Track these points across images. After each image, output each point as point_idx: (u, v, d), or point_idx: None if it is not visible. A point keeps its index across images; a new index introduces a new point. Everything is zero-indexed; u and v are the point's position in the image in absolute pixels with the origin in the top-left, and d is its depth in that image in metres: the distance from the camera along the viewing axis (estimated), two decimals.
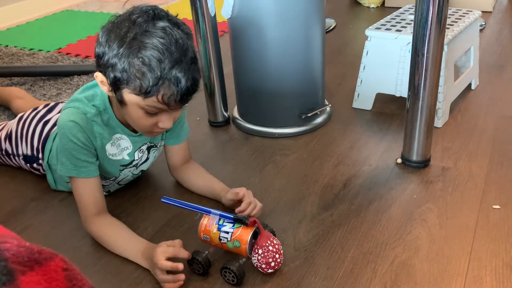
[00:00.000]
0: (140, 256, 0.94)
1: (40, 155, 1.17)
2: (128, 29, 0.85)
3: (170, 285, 0.88)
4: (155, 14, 0.87)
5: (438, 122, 1.35)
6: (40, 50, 2.26)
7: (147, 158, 1.13)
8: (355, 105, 1.52)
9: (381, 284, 0.87)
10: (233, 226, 0.90)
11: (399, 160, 1.23)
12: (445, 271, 0.89)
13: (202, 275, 0.91)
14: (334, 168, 1.23)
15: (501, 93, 1.55)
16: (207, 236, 0.92)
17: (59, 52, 2.22)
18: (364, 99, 1.50)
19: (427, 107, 1.12)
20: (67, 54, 2.20)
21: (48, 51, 2.24)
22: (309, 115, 1.39)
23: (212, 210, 0.93)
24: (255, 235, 0.90)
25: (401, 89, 1.42)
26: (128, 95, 0.89)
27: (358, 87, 1.50)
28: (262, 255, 0.88)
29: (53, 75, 1.92)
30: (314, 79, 1.39)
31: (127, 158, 1.07)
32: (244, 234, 0.88)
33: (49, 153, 1.14)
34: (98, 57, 0.90)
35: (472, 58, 1.54)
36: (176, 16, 0.91)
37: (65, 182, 1.14)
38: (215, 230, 0.91)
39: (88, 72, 1.93)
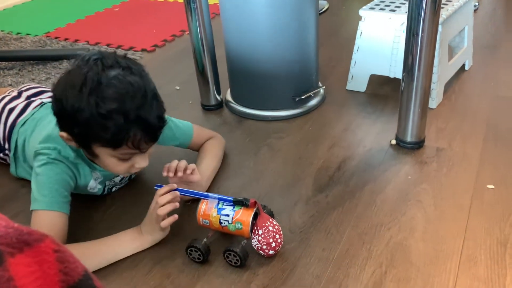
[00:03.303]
0: (137, 235, 0.93)
1: (7, 145, 1.15)
2: (81, 85, 0.82)
3: (166, 222, 0.89)
4: (104, 64, 0.84)
5: (432, 103, 1.35)
6: (28, 34, 2.22)
7: (129, 178, 1.12)
8: (349, 87, 1.51)
9: (377, 265, 0.87)
10: (233, 208, 0.90)
11: (394, 141, 1.22)
12: (440, 250, 0.89)
13: (202, 262, 0.91)
14: (328, 150, 1.22)
15: (495, 73, 1.55)
16: (207, 221, 0.92)
17: (47, 36, 2.18)
18: (358, 81, 1.49)
19: (422, 88, 1.11)
20: (56, 38, 2.16)
21: (36, 35, 2.20)
22: (303, 97, 1.37)
23: (210, 194, 0.92)
24: (255, 217, 0.89)
25: (395, 70, 1.41)
26: (98, 149, 0.88)
27: (352, 69, 1.48)
28: (263, 236, 0.87)
29: (42, 59, 1.88)
30: (307, 61, 1.38)
31: (99, 186, 1.06)
32: (246, 216, 0.88)
33: (15, 146, 1.11)
34: (58, 116, 0.89)
35: (466, 39, 1.53)
36: (125, 56, 0.90)
37: (28, 168, 1.10)
38: (215, 214, 0.90)
39: (78, 55, 1.89)
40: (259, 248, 0.88)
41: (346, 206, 1.02)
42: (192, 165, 0.99)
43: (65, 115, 0.86)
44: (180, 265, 0.91)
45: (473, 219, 0.96)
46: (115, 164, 0.91)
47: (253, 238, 0.88)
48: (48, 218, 0.90)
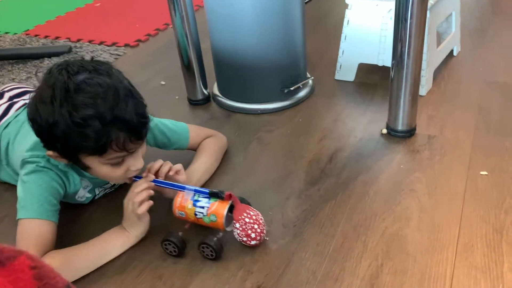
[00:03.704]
0: (121, 232, 0.91)
1: None
2: (51, 98, 0.80)
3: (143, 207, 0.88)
4: (69, 71, 0.81)
5: (422, 90, 1.33)
6: (6, 33, 2.16)
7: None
8: (338, 76, 1.49)
9: (373, 257, 0.86)
10: (208, 200, 0.88)
11: (384, 131, 1.20)
12: (436, 240, 0.88)
13: (177, 256, 0.89)
14: (319, 142, 1.20)
15: (483, 58, 1.54)
16: (182, 212, 0.90)
17: (27, 34, 2.12)
18: (346, 70, 1.47)
19: (412, 75, 1.10)
20: (36, 36, 2.10)
21: (15, 34, 2.14)
22: (291, 88, 1.35)
23: (187, 186, 0.91)
24: (231, 209, 0.88)
25: (384, 58, 1.39)
26: (87, 159, 0.85)
27: (340, 58, 1.46)
28: (241, 229, 0.87)
29: (22, 58, 1.83)
30: (295, 52, 1.35)
31: (88, 195, 1.03)
32: (220, 208, 0.87)
33: None
34: (40, 136, 0.86)
35: (453, 24, 1.51)
36: (92, 59, 0.87)
37: (11, 172, 1.07)
38: (190, 206, 0.89)
39: (59, 54, 1.84)
40: (240, 240, 0.88)
41: (339, 199, 1.01)
42: (177, 166, 0.95)
43: (43, 133, 0.84)
44: (171, 265, 0.89)
45: (468, 206, 0.95)
46: (110, 172, 0.88)
47: (234, 232, 0.88)
48: (36, 227, 0.86)
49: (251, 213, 0.88)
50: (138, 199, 0.88)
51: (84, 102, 0.79)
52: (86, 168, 0.88)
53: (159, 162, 0.94)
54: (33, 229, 0.86)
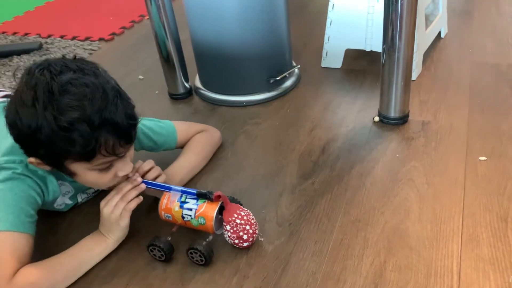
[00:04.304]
0: (99, 237, 0.85)
1: None
2: (33, 101, 0.72)
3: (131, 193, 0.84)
4: (52, 72, 0.74)
5: (413, 75, 1.29)
6: None
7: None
8: (324, 64, 1.43)
9: (375, 254, 0.81)
10: (196, 202, 0.83)
11: (377, 118, 1.16)
12: (440, 232, 0.84)
13: (165, 261, 0.84)
14: (310, 133, 1.15)
15: (471, 39, 1.50)
16: (169, 215, 0.85)
17: None
18: (333, 57, 1.41)
19: (404, 59, 1.05)
20: (3, 32, 1.99)
21: None
22: (278, 78, 1.29)
23: (173, 187, 0.85)
24: (221, 210, 0.83)
25: (372, 43, 1.34)
26: (72, 165, 0.78)
27: (326, 45, 1.41)
28: (232, 231, 0.82)
29: None
30: (280, 40, 1.29)
31: (69, 202, 0.96)
32: (209, 210, 0.81)
33: None
34: (18, 142, 0.78)
35: (440, 5, 1.47)
36: (75, 57, 0.80)
37: None
38: (177, 208, 0.83)
39: (29, 51, 1.75)
40: (232, 243, 0.83)
41: (335, 192, 0.96)
42: (159, 179, 0.89)
43: (24, 138, 0.76)
44: (161, 273, 0.83)
45: (470, 194, 0.91)
46: (98, 178, 0.81)
47: (224, 234, 0.83)
48: (10, 240, 0.78)
49: (242, 214, 0.82)
50: (130, 207, 0.83)
51: (70, 105, 0.72)
52: (72, 174, 0.81)
53: (149, 163, 0.88)
54: (8, 242, 0.78)
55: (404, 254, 0.80)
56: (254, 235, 0.83)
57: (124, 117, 0.76)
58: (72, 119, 0.72)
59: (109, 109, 0.74)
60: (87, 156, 0.75)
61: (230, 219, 0.81)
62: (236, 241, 0.83)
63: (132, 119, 0.79)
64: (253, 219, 0.84)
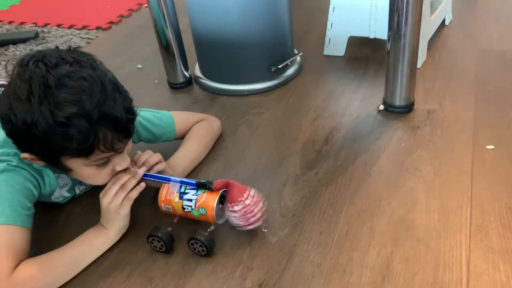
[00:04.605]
0: (100, 230, 0.83)
1: None
2: (28, 95, 0.69)
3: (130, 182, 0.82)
4: (47, 64, 0.71)
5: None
6: None
7: None
8: (327, 51, 1.41)
9: (381, 245, 0.79)
10: (196, 192, 0.81)
11: (381, 107, 1.13)
12: (447, 222, 0.82)
13: (165, 252, 0.82)
14: (312, 123, 1.12)
15: (476, 26, 1.47)
16: (169, 206, 0.83)
17: None
18: (335, 45, 1.38)
19: (410, 45, 1.02)
20: None
21: None
22: (279, 66, 1.26)
23: (172, 177, 0.83)
24: (221, 200, 0.82)
25: (375, 30, 1.31)
26: (69, 161, 0.76)
27: (329, 32, 1.38)
28: (242, 212, 0.79)
29: None
30: (281, 26, 1.26)
31: (67, 194, 0.94)
32: (210, 200, 0.79)
33: None
34: (12, 137, 0.75)
35: None
36: (70, 49, 0.77)
37: None
38: (177, 199, 0.82)
39: (25, 40, 1.72)
40: (237, 224, 0.81)
41: (340, 182, 0.94)
42: (159, 166, 0.87)
43: (19, 134, 0.73)
44: (162, 266, 0.81)
45: (477, 184, 0.89)
46: (95, 173, 0.79)
47: (229, 215, 0.80)
48: (7, 234, 0.76)
49: (251, 193, 0.80)
50: (133, 196, 0.82)
51: (67, 99, 0.69)
52: (68, 170, 0.78)
53: (148, 153, 0.86)
54: (5, 237, 0.76)
55: (412, 245, 0.79)
56: (262, 217, 0.80)
57: (123, 111, 0.74)
58: (70, 114, 0.69)
59: (107, 103, 0.72)
60: (85, 152, 0.73)
61: (239, 199, 0.78)
62: (242, 223, 0.80)
63: (131, 114, 0.76)
64: (260, 199, 0.81)
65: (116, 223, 0.83)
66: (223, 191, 0.81)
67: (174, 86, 1.35)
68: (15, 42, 1.70)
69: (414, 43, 1.02)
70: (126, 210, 0.82)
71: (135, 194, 0.82)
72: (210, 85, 1.32)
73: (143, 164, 0.85)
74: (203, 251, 0.80)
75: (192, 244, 0.80)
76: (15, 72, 0.72)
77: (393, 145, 1.02)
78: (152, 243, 0.82)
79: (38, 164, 0.79)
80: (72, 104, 0.69)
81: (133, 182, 0.82)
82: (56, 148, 0.72)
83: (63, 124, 0.69)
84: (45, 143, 0.72)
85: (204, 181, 0.80)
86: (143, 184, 0.83)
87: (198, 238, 0.78)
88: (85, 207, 0.95)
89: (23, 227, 0.77)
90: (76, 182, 0.93)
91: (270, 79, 1.28)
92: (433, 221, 0.82)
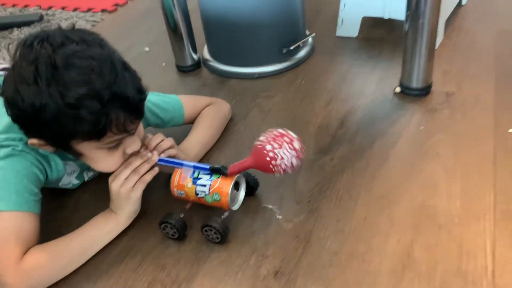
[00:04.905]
0: (109, 215, 0.81)
1: None
2: (34, 77, 0.66)
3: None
4: (53, 44, 0.67)
5: None
6: None
7: None
8: (339, 32, 1.36)
9: (401, 232, 0.76)
10: (210, 177, 0.78)
11: (398, 89, 1.10)
12: (470, 209, 0.79)
13: (178, 239, 0.80)
14: (326, 106, 1.09)
15: (493, 5, 1.42)
16: (182, 192, 0.80)
17: None
18: (349, 25, 1.34)
19: (429, 25, 0.98)
20: (2, 4, 1.93)
21: None
22: (291, 48, 1.22)
23: (184, 162, 0.81)
24: (236, 186, 0.79)
25: (390, 10, 1.26)
26: (80, 145, 0.72)
27: (342, 12, 1.33)
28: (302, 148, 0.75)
29: None
30: (293, 6, 1.22)
31: (75, 181, 0.91)
32: (224, 185, 0.77)
33: None
34: (19, 122, 0.72)
35: None
36: (74, 27, 0.73)
37: None
38: (190, 184, 0.79)
39: (29, 23, 1.68)
40: (291, 168, 0.75)
41: (356, 168, 0.90)
42: (171, 151, 0.84)
43: (26, 118, 0.70)
44: (174, 253, 0.79)
45: (501, 169, 0.85)
46: (104, 157, 0.76)
47: (289, 156, 0.74)
48: (15, 220, 0.74)
49: (291, 135, 0.76)
50: (147, 179, 0.79)
51: (77, 79, 0.66)
52: (78, 155, 0.75)
53: (159, 137, 0.83)
54: (12, 223, 0.74)
55: (433, 232, 0.76)
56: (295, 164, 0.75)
57: (134, 91, 0.71)
58: (80, 95, 0.66)
59: (118, 83, 0.68)
60: (96, 134, 0.70)
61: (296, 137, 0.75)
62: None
63: (142, 93, 0.73)
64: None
65: (127, 208, 0.80)
66: (238, 176, 0.79)
67: (182, 69, 1.32)
68: (19, 25, 1.67)
69: (433, 22, 0.98)
70: (137, 194, 0.79)
71: (149, 177, 0.80)
72: (219, 68, 1.28)
73: (155, 148, 0.82)
74: (217, 238, 0.77)
75: (206, 231, 0.78)
76: (19, 53, 0.69)
77: (411, 129, 0.98)
78: (164, 229, 0.80)
79: (46, 149, 0.76)
80: (82, 84, 0.66)
81: (146, 167, 0.79)
82: (67, 132, 0.69)
83: (73, 105, 0.66)
84: (55, 126, 0.69)
85: (219, 165, 0.78)
86: (156, 169, 0.81)
87: (213, 225, 0.76)
88: (94, 192, 0.92)
89: (31, 212, 0.75)
90: (84, 168, 0.90)
91: (281, 61, 1.24)
92: (455, 207, 0.79)
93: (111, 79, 0.68)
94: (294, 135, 0.76)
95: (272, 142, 0.75)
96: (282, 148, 0.74)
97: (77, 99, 0.66)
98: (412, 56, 1.03)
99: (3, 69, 1.06)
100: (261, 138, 0.77)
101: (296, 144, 0.75)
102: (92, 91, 0.66)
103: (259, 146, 0.76)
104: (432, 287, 0.68)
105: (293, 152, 0.75)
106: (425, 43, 1.00)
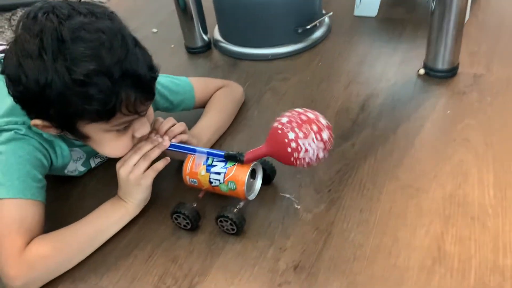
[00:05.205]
0: (118, 202, 0.76)
1: None
2: (39, 51, 0.61)
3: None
4: (59, 16, 0.62)
5: None
6: None
7: None
8: (357, 12, 1.29)
9: (430, 223, 0.71)
10: (225, 165, 0.73)
11: (422, 71, 1.03)
12: (505, 198, 0.73)
13: (190, 230, 0.75)
14: (345, 89, 1.03)
15: None
16: (195, 180, 0.75)
17: None
18: (367, 4, 1.27)
19: (458, 2, 0.91)
20: None
21: None
22: (307, 27, 1.15)
23: (198, 148, 0.75)
24: (252, 174, 0.74)
25: None
26: (87, 127, 0.67)
27: None
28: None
29: None
30: None
31: (82, 168, 0.86)
32: (240, 174, 0.72)
33: None
34: (22, 101, 0.66)
35: None
36: (79, 1, 0.67)
37: None
38: (203, 172, 0.74)
39: (35, 3, 1.62)
40: (317, 160, 0.67)
41: (379, 154, 0.85)
42: (183, 137, 0.78)
43: (30, 97, 0.64)
44: (186, 245, 0.74)
45: None
46: (112, 140, 0.70)
47: (314, 147, 0.66)
48: (17, 208, 0.69)
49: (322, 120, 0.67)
50: (159, 166, 0.75)
51: (85, 54, 0.61)
52: (84, 138, 0.70)
53: (171, 121, 0.78)
54: (14, 211, 0.69)
55: (465, 224, 0.70)
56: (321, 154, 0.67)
57: (146, 69, 0.65)
58: (89, 71, 0.61)
59: (129, 59, 0.63)
60: (106, 115, 0.65)
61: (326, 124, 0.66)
62: (325, 155, 0.67)
63: (153, 71, 0.68)
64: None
65: (136, 195, 0.76)
66: (254, 164, 0.73)
67: (192, 51, 1.26)
68: (24, 5, 1.62)
69: (463, 0, 0.91)
70: (148, 181, 0.74)
71: (161, 165, 0.75)
72: (231, 49, 1.22)
73: (166, 133, 0.76)
74: (233, 230, 0.72)
75: (220, 221, 0.73)
76: (21, 25, 0.63)
77: (437, 113, 0.92)
78: (176, 220, 0.75)
79: (50, 132, 0.71)
80: (91, 59, 0.61)
81: (157, 152, 0.74)
82: (74, 111, 0.64)
83: (81, 82, 0.61)
84: (61, 105, 0.63)
85: (234, 152, 0.72)
86: (168, 158, 0.76)
87: (229, 216, 0.71)
88: (101, 179, 0.88)
89: (34, 200, 0.71)
90: (91, 154, 0.86)
91: (296, 42, 1.18)
92: (488, 197, 0.73)
93: (122, 55, 0.62)
94: (324, 121, 0.67)
95: (296, 129, 0.66)
96: (309, 138, 0.65)
97: (86, 75, 0.61)
98: (439, 35, 0.96)
99: (2, 51, 1.01)
100: (283, 119, 0.68)
101: (325, 135, 0.66)
102: (101, 67, 0.61)
103: (279, 131, 0.68)
104: (466, 284, 0.63)
105: (321, 144, 0.66)
106: (453, 21, 0.93)
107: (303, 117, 0.67)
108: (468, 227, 0.69)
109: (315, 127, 0.66)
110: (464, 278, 0.63)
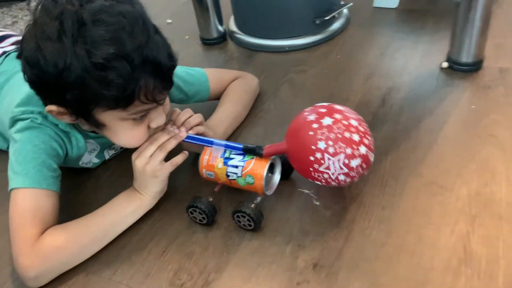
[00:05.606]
0: (133, 194, 0.74)
1: None
2: (59, 33, 0.60)
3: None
4: None
5: None
6: None
7: None
8: (377, 3, 1.26)
9: (455, 222, 0.68)
10: (243, 158, 0.71)
11: (445, 64, 1.00)
12: None
13: (207, 225, 0.73)
14: (365, 82, 1.00)
15: None
16: (211, 173, 0.73)
17: None
18: None
19: None
20: None
21: None
22: (326, 18, 1.12)
23: (215, 140, 0.73)
24: (271, 168, 0.72)
25: None
26: (103, 115, 0.65)
27: None
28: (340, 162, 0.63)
29: (6, 0, 1.60)
30: None
31: (96, 160, 0.85)
32: (258, 168, 0.69)
33: None
34: (38, 85, 0.65)
35: None
36: None
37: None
38: (220, 165, 0.72)
39: None
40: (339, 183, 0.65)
41: (401, 150, 0.82)
42: (200, 128, 0.76)
43: (48, 80, 0.62)
44: (202, 240, 0.72)
45: None
46: (128, 129, 0.68)
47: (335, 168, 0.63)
48: (32, 198, 0.68)
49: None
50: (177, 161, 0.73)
51: (105, 37, 0.60)
52: (99, 126, 0.68)
53: (188, 112, 0.76)
54: (29, 201, 0.68)
55: (492, 223, 0.67)
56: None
57: (166, 56, 0.64)
58: (109, 55, 0.59)
59: (150, 45, 0.61)
60: (124, 101, 0.63)
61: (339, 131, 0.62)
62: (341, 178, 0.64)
63: (173, 60, 0.66)
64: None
65: (152, 188, 0.74)
66: (273, 158, 0.71)
67: (207, 42, 1.24)
68: None
69: None
70: (165, 174, 0.73)
71: (180, 159, 0.73)
72: (246, 40, 1.20)
73: (183, 124, 0.74)
74: (250, 225, 0.70)
75: (237, 217, 0.71)
76: (41, 8, 0.62)
77: (462, 108, 0.89)
78: (192, 214, 0.73)
79: (64, 120, 0.70)
80: (111, 43, 0.59)
81: (173, 143, 0.72)
82: (91, 96, 0.62)
83: (101, 66, 0.59)
84: (79, 90, 0.62)
85: (253, 145, 0.70)
86: (187, 152, 0.74)
87: (246, 212, 0.69)
88: (116, 171, 0.86)
89: (49, 190, 0.69)
90: (105, 146, 0.84)
91: (314, 33, 1.15)
92: None
93: (143, 41, 0.61)
94: (364, 150, 0.63)
95: (329, 142, 0.63)
96: (336, 157, 0.62)
97: (105, 59, 0.59)
98: (464, 28, 0.93)
99: (14, 43, 0.99)
100: (325, 121, 0.63)
101: (355, 163, 0.63)
102: (122, 52, 0.59)
103: (310, 132, 0.64)
104: (495, 286, 0.60)
105: (345, 169, 0.63)
106: (480, 13, 0.90)
107: (346, 134, 0.63)
108: (495, 227, 0.67)
109: (349, 151, 0.63)
110: (491, 280, 0.61)
